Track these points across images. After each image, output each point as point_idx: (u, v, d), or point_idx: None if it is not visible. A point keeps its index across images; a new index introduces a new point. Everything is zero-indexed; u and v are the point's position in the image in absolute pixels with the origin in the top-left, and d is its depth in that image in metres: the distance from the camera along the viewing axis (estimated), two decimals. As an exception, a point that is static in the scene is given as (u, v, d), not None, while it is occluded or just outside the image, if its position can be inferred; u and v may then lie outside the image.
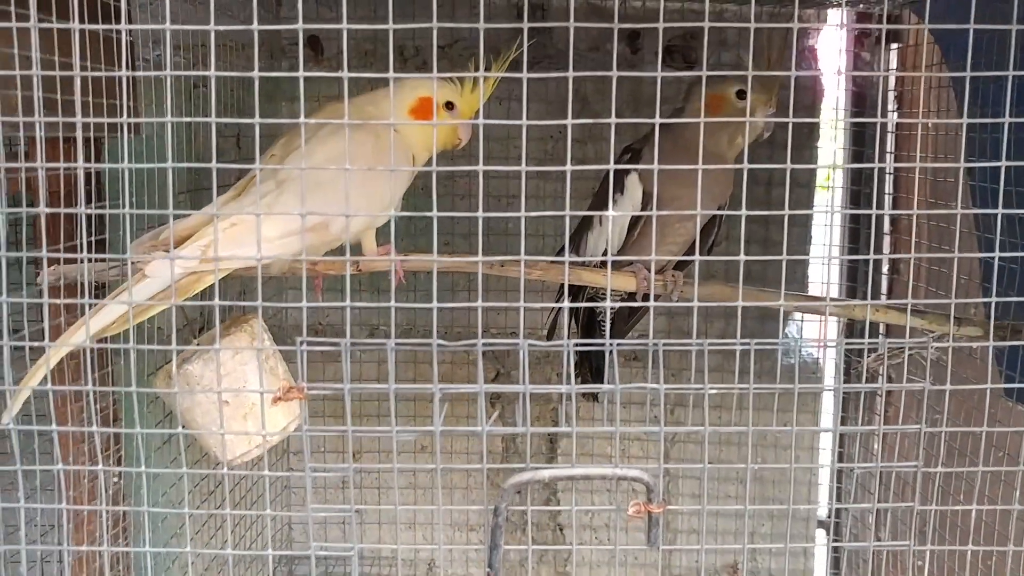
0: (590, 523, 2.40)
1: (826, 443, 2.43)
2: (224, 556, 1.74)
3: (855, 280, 2.26)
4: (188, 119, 0.97)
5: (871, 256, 1.52)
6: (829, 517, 2.40)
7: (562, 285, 1.83)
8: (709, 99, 1.57)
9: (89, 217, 1.28)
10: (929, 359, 1.16)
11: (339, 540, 2.24)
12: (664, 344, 1.04)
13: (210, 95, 1.00)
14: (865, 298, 2.23)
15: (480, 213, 1.02)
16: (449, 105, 1.47)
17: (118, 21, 1.36)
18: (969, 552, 1.18)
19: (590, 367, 1.88)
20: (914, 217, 1.09)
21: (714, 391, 1.04)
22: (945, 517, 1.33)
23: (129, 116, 1.08)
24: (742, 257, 1.03)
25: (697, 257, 1.05)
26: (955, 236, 1.66)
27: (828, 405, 2.34)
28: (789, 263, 1.08)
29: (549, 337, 1.87)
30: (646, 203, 1.62)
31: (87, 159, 1.30)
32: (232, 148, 2.08)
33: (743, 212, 1.02)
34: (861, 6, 2.05)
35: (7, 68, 1.03)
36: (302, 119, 1.04)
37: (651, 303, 1.08)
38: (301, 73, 0.97)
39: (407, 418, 2.10)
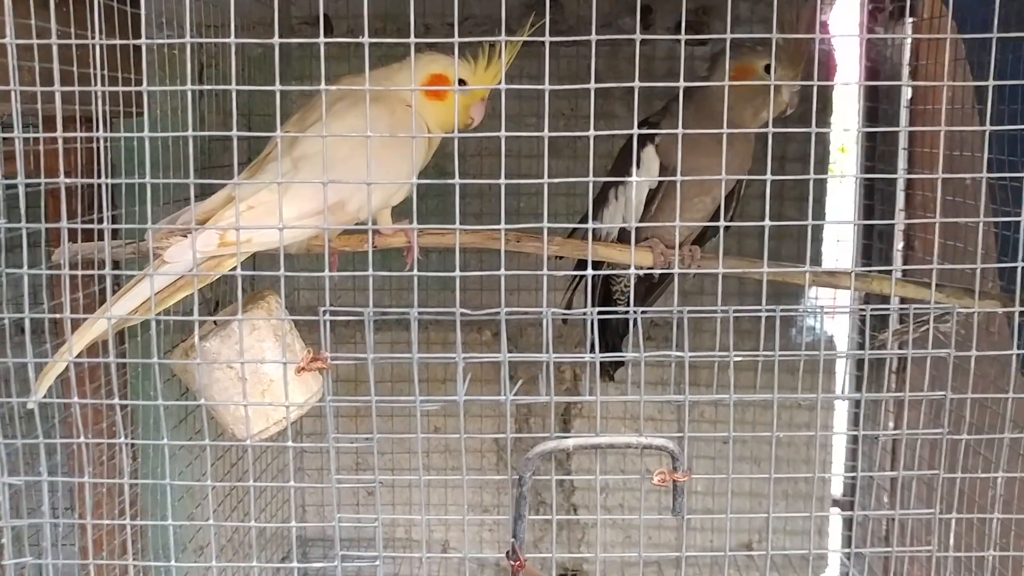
0: (604, 503, 2.40)
1: (839, 420, 2.43)
2: (240, 534, 1.74)
3: (869, 257, 2.25)
4: (206, 87, 0.96)
5: (896, 222, 1.50)
6: (844, 495, 2.40)
7: (579, 262, 1.83)
8: (735, 70, 1.55)
9: (102, 193, 1.27)
10: (953, 330, 1.14)
11: (353, 524, 2.24)
12: (689, 312, 1.03)
13: (230, 60, 0.99)
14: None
15: (502, 180, 1.02)
16: (462, 83, 1.45)
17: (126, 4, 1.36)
18: (995, 520, 1.17)
19: (606, 345, 1.87)
20: (938, 181, 1.08)
21: (739, 358, 1.03)
22: (965, 486, 1.32)
23: (138, 100, 1.07)
24: (767, 223, 1.03)
25: (722, 223, 1.04)
26: (971, 210, 1.65)
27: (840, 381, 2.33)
28: (803, 242, 1.07)
29: (564, 321, 1.86)
30: (663, 176, 1.60)
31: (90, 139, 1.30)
32: (243, 128, 2.07)
33: (768, 177, 1.01)
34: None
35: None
36: (323, 86, 1.03)
37: (675, 270, 1.07)
38: (321, 40, 0.96)
39: (419, 382, 2.09)
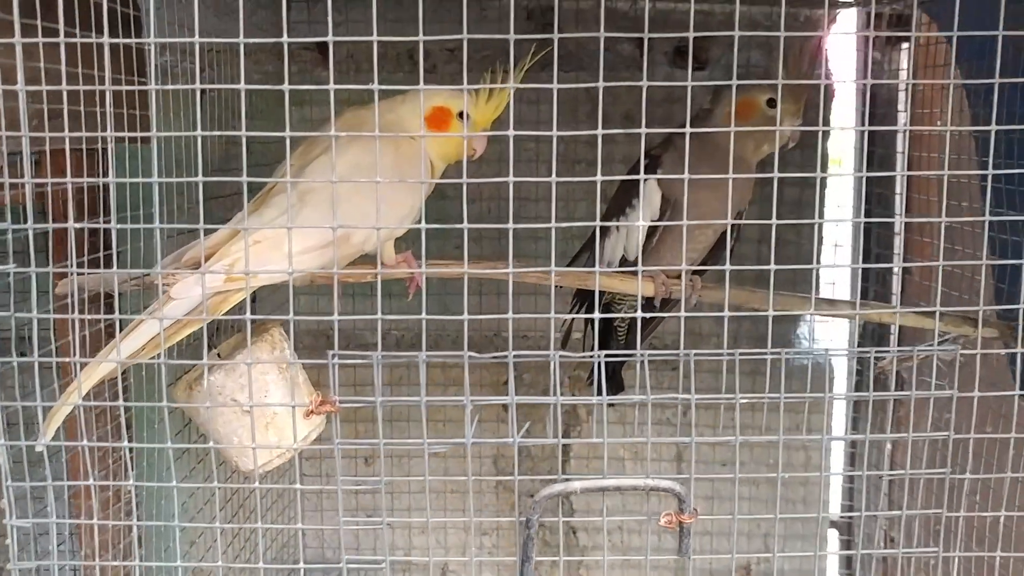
0: (603, 525, 2.40)
1: (838, 446, 2.44)
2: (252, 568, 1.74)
3: (867, 279, 2.26)
4: (216, 133, 0.96)
5: (895, 265, 1.51)
6: (842, 516, 2.41)
7: (578, 292, 1.83)
8: (739, 104, 1.56)
9: (107, 229, 1.28)
10: (957, 362, 1.15)
11: (351, 547, 2.24)
12: (695, 354, 1.04)
13: (239, 106, 1.00)
14: (876, 295, 2.24)
15: (510, 225, 1.02)
16: (463, 115, 1.45)
17: (134, 31, 1.36)
18: (998, 559, 1.18)
19: (606, 372, 1.87)
20: (943, 225, 1.09)
21: (745, 400, 1.04)
22: (965, 522, 1.33)
23: (142, 125, 1.07)
24: (772, 267, 1.03)
25: (728, 267, 1.04)
26: (965, 236, 1.66)
27: (839, 405, 2.34)
28: (801, 260, 1.08)
29: (563, 345, 1.87)
30: (665, 209, 1.61)
31: (95, 168, 1.30)
32: (242, 154, 2.06)
33: (774, 221, 1.02)
34: (873, 6, 2.04)
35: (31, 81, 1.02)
36: (332, 132, 1.03)
37: (681, 314, 1.08)
38: (332, 86, 0.97)
39: (416, 423, 2.09)
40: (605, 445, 1.07)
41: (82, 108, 1.12)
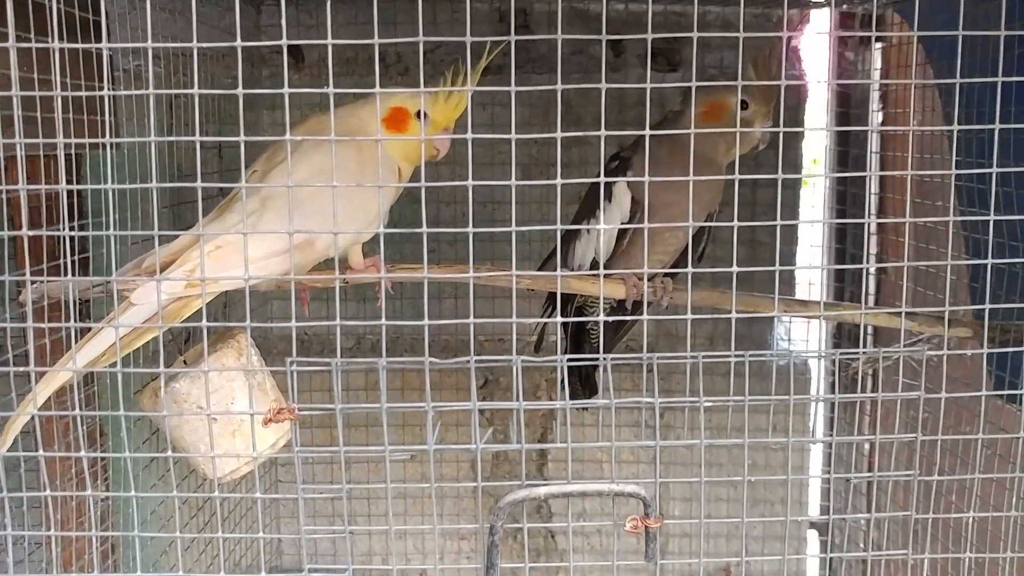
0: (581, 529, 2.39)
1: (817, 446, 2.43)
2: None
3: (842, 280, 2.26)
4: (171, 139, 0.95)
5: (865, 266, 1.51)
6: (821, 517, 2.41)
7: (550, 294, 1.82)
8: (709, 106, 1.55)
9: (72, 236, 1.26)
10: (924, 363, 1.15)
11: (328, 553, 2.23)
12: (658, 358, 1.03)
13: (192, 114, 0.98)
14: (852, 296, 2.23)
15: (470, 228, 1.01)
16: (419, 115, 1.43)
17: (95, 34, 1.34)
18: (966, 560, 1.17)
19: (580, 375, 1.86)
20: (911, 225, 1.09)
21: (709, 404, 1.03)
22: (940, 522, 1.32)
23: (110, 131, 1.06)
24: (734, 269, 1.03)
25: (691, 269, 1.04)
26: (940, 236, 1.66)
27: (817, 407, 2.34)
28: (775, 260, 1.08)
29: (536, 349, 1.86)
30: (635, 211, 1.60)
31: (67, 176, 1.29)
32: (214, 158, 2.05)
33: (735, 224, 1.02)
34: (844, 6, 2.04)
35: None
36: (287, 136, 1.02)
37: (644, 316, 1.07)
38: (286, 90, 0.96)
39: (394, 427, 2.08)
40: (569, 450, 1.06)
41: (39, 115, 1.10)
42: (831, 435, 2.20)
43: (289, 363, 0.99)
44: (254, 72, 2.14)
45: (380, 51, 0.96)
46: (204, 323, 1.00)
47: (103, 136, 1.37)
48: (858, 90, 2.23)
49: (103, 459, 1.52)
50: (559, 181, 1.00)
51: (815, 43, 2.18)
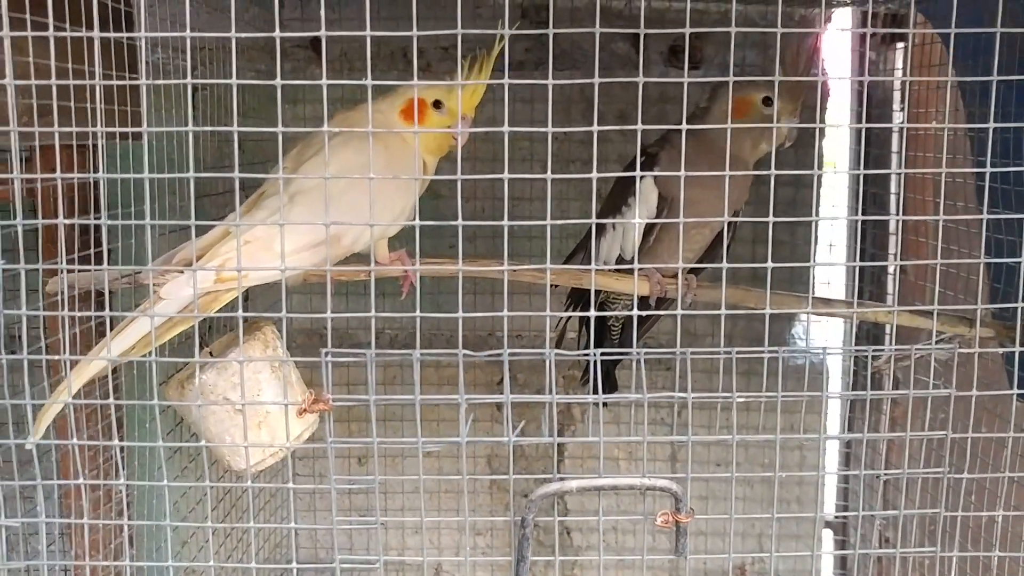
0: (596, 525, 2.39)
1: (832, 446, 2.43)
2: (245, 568, 1.73)
3: (862, 279, 2.25)
4: (209, 128, 0.95)
5: (894, 263, 1.50)
6: (837, 517, 2.40)
7: (572, 291, 1.82)
8: (736, 102, 1.55)
9: (97, 226, 1.26)
10: (955, 364, 1.15)
11: (345, 546, 2.23)
12: (692, 353, 1.03)
13: (218, 107, 0.99)
14: (871, 295, 2.23)
15: (505, 222, 1.01)
16: (437, 104, 1.43)
17: (122, 24, 1.35)
18: (994, 559, 1.17)
19: (601, 371, 1.85)
20: (941, 223, 1.09)
21: (741, 399, 1.03)
22: (961, 521, 1.32)
23: (135, 122, 1.06)
24: (769, 265, 1.03)
25: (724, 265, 1.03)
26: (961, 236, 1.66)
27: (833, 405, 2.33)
28: (795, 259, 1.08)
29: (558, 344, 1.86)
30: (662, 207, 1.60)
31: (86, 165, 1.29)
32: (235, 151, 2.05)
33: (770, 219, 1.01)
34: (867, 6, 2.04)
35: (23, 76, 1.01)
36: (325, 128, 1.03)
37: (678, 310, 1.07)
38: (324, 81, 0.96)
39: (409, 422, 2.08)
40: (601, 444, 1.06)
41: (72, 104, 1.11)
42: (850, 433, 2.18)
43: (324, 354, 1.00)
44: (273, 66, 2.13)
45: (401, 46, 0.96)
46: (240, 313, 1.00)
47: (129, 127, 1.38)
48: (879, 90, 2.22)
49: (123, 452, 1.53)
50: (594, 175, 0.99)
51: (837, 42, 2.18)
